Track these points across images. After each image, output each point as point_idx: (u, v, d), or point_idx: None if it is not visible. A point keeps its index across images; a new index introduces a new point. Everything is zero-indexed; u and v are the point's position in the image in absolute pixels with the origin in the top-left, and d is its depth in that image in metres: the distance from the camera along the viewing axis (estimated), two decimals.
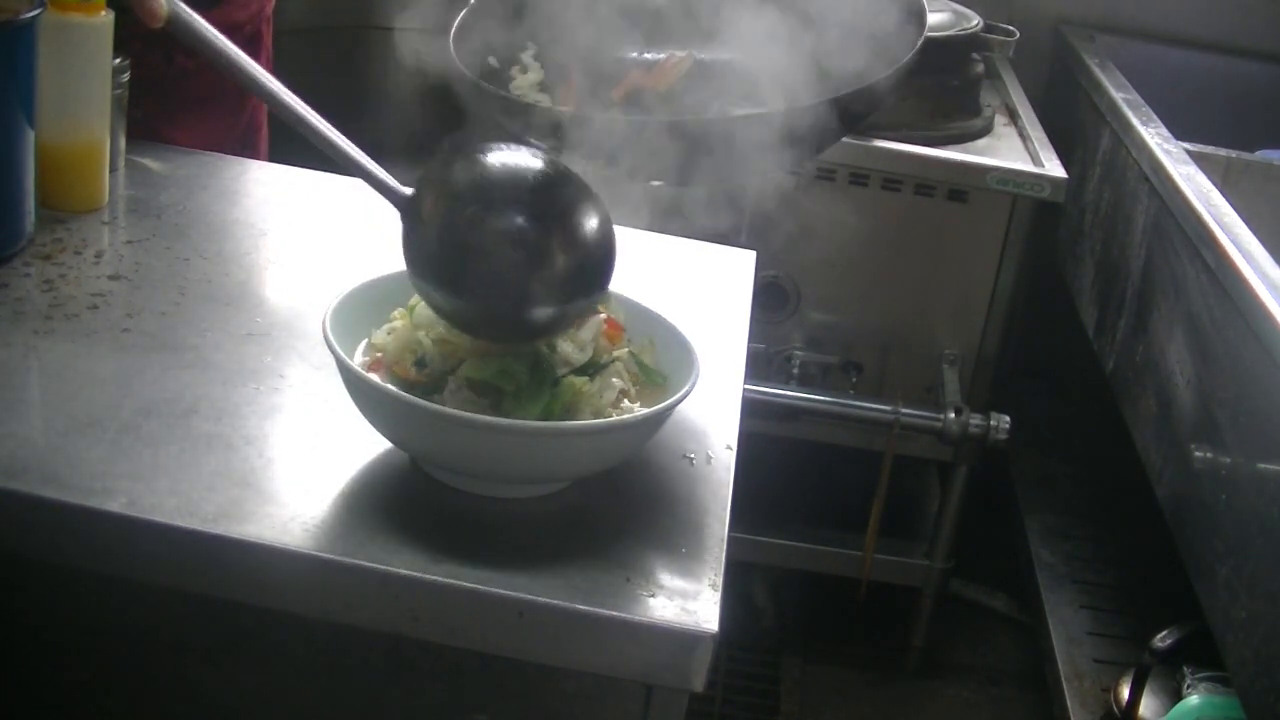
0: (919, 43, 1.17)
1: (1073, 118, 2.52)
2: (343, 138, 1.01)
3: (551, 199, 0.96)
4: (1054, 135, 2.33)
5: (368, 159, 1.01)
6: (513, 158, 0.96)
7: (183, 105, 1.53)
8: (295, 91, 1.03)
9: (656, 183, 1.18)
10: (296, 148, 1.70)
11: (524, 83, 1.26)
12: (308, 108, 1.01)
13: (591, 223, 0.96)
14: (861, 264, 2.24)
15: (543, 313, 0.95)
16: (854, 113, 1.19)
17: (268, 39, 1.63)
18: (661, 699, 0.91)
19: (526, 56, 1.28)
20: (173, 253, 1.25)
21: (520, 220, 0.94)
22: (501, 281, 0.94)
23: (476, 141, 0.98)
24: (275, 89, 1.01)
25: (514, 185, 0.95)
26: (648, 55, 1.30)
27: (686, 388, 0.97)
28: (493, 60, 1.26)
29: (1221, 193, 1.84)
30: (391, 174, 1.01)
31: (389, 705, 0.96)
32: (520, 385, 0.93)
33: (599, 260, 0.97)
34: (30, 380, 1.03)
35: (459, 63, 1.20)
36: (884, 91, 1.16)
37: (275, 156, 1.68)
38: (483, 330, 0.97)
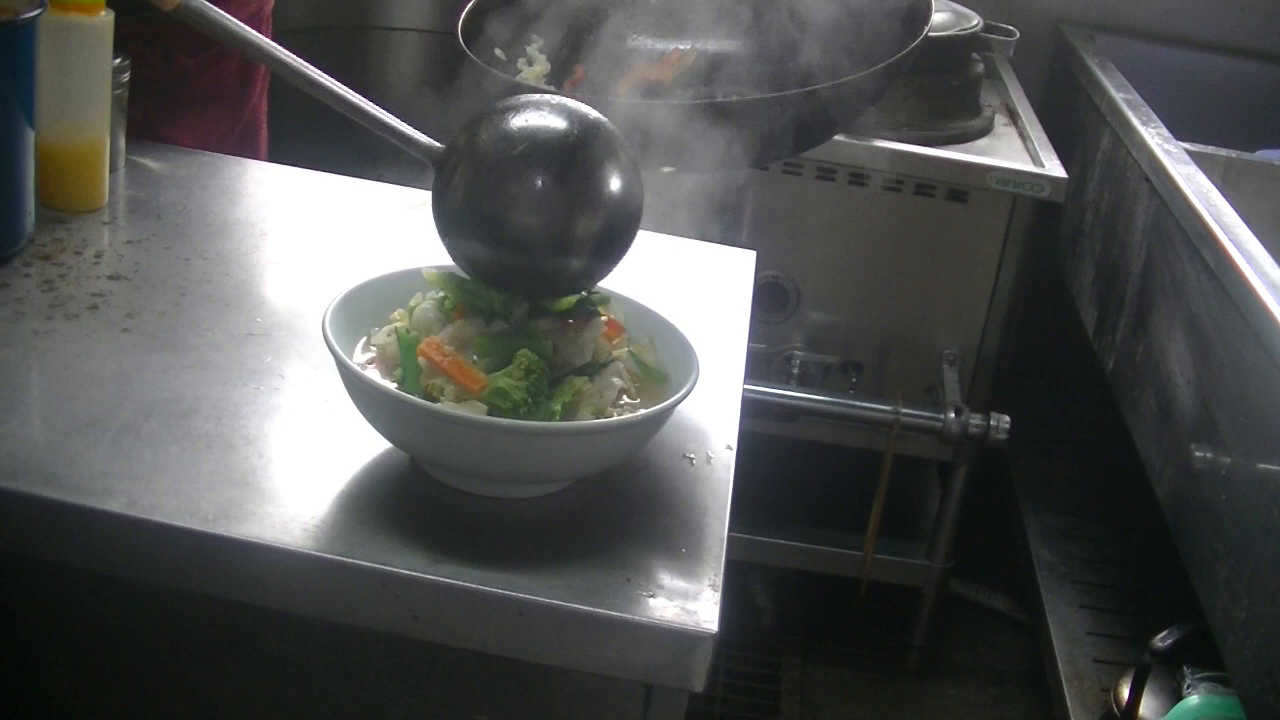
0: (924, 32, 1.17)
1: (1073, 118, 2.52)
2: (366, 101, 1.05)
3: (584, 152, 0.98)
4: (1054, 135, 2.33)
5: (393, 118, 1.04)
6: (545, 113, 0.98)
7: (183, 105, 1.53)
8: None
9: (666, 169, 1.18)
10: (296, 147, 1.71)
11: (530, 75, 1.26)
12: (326, 77, 1.05)
13: (621, 179, 0.98)
14: (861, 264, 2.24)
15: (573, 264, 0.98)
16: (854, 103, 1.19)
17: (267, 38, 1.63)
18: (661, 699, 0.91)
19: (532, 50, 1.28)
20: (173, 253, 1.25)
21: (551, 170, 0.96)
22: (533, 229, 0.96)
23: (506, 101, 1.00)
24: (293, 62, 1.05)
25: (547, 136, 0.97)
26: (653, 47, 1.31)
27: (686, 388, 0.97)
28: (499, 53, 1.26)
29: (1221, 193, 1.84)
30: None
31: (389, 705, 0.96)
32: (516, 403, 0.93)
33: (628, 214, 1.00)
34: (30, 380, 1.03)
35: (467, 50, 1.20)
36: (887, 80, 1.16)
37: (274, 156, 1.68)
38: (513, 281, 0.99)
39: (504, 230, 0.96)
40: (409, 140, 1.03)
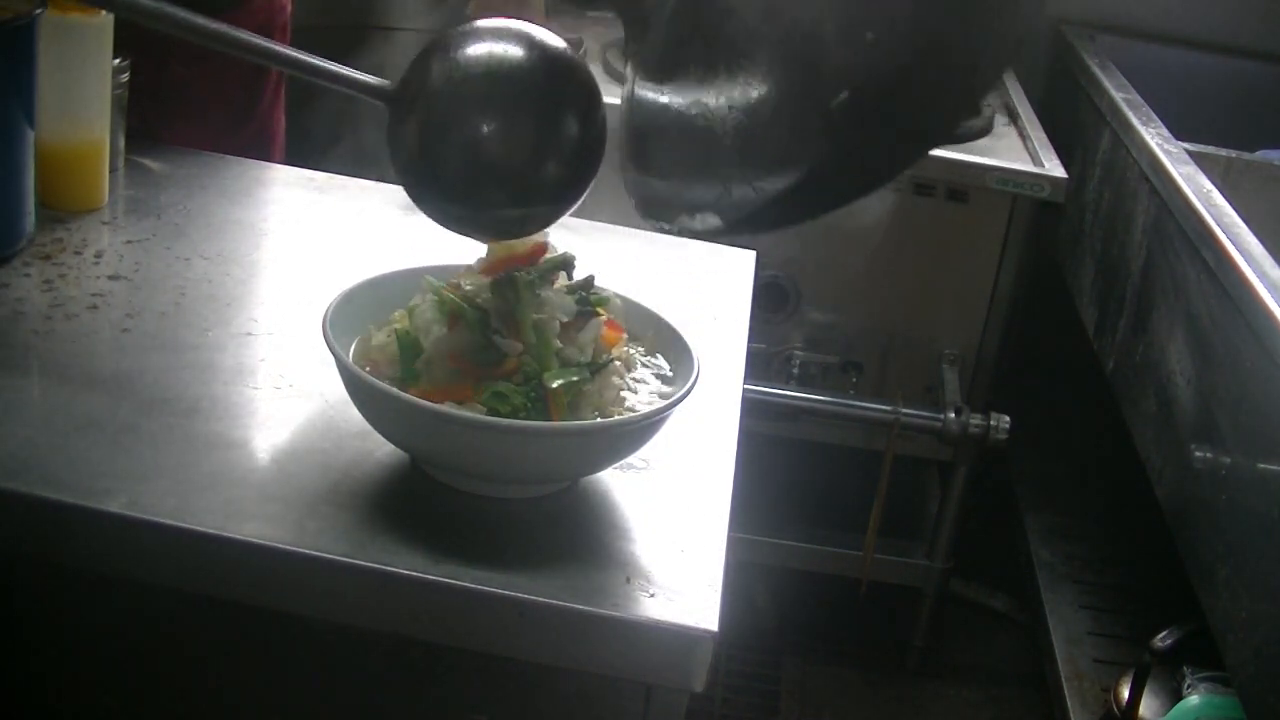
0: None
1: (1073, 118, 2.52)
2: (306, 54, 1.00)
3: (548, 88, 0.96)
4: (1054, 135, 2.33)
5: (338, 65, 1.00)
6: (503, 49, 0.95)
7: (179, 114, 1.52)
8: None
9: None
10: (304, 150, 1.69)
11: None
12: (272, 42, 1.01)
13: (584, 116, 0.96)
14: (861, 264, 2.24)
15: (535, 207, 0.97)
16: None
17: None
18: (661, 699, 0.91)
19: None
20: (173, 253, 1.25)
21: (512, 108, 0.95)
22: (488, 173, 0.95)
23: (462, 34, 0.96)
24: (219, 29, 0.99)
25: (509, 71, 0.95)
26: None
27: (686, 388, 0.97)
28: None
29: (1221, 193, 1.84)
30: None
31: (389, 705, 0.96)
32: (515, 407, 0.93)
33: (591, 151, 0.98)
34: (30, 380, 1.03)
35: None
36: None
37: (289, 161, 1.67)
38: (467, 225, 0.98)
39: (465, 170, 0.95)
40: (354, 83, 0.99)
